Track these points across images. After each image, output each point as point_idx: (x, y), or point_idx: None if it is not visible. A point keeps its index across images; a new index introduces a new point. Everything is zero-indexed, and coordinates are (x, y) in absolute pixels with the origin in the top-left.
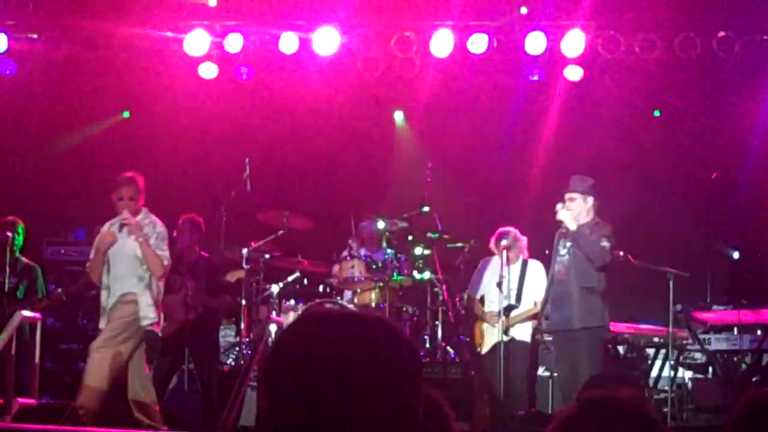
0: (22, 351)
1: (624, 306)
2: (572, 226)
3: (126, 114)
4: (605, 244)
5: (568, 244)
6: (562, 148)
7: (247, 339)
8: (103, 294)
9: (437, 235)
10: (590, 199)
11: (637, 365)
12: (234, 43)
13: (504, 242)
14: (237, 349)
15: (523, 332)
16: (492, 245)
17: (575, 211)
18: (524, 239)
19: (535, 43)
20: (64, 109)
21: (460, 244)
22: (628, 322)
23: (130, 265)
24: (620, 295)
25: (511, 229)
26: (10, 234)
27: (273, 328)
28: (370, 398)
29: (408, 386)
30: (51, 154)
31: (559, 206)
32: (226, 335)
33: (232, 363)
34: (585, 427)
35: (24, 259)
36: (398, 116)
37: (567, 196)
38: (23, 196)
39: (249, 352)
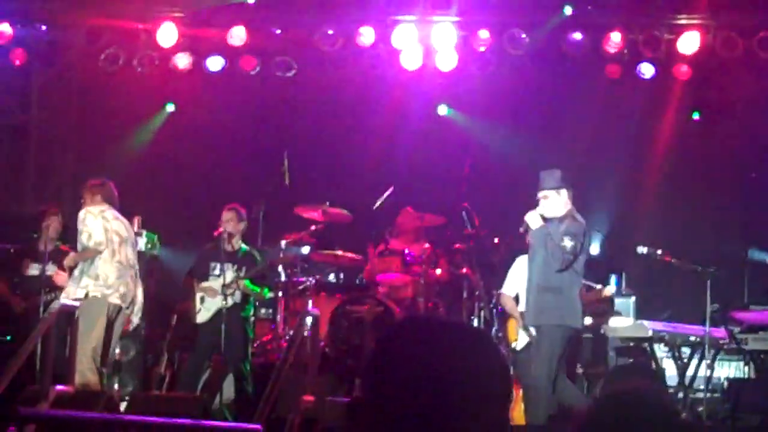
0: (60, 339)
1: (661, 305)
2: (534, 225)
3: (170, 106)
4: (566, 243)
5: (533, 246)
6: (598, 143)
7: (283, 331)
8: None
9: (474, 230)
10: (564, 192)
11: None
12: (273, 37)
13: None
14: (273, 340)
15: None
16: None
17: (551, 208)
18: None
19: (575, 40)
20: (105, 100)
21: (496, 240)
22: (664, 321)
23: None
24: (657, 294)
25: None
26: (49, 222)
27: (309, 320)
28: (465, 408)
29: (501, 403)
30: (90, 144)
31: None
32: (263, 327)
33: (268, 354)
34: (604, 423)
35: (63, 248)
36: (441, 110)
37: (541, 195)
38: (64, 184)
39: (284, 343)
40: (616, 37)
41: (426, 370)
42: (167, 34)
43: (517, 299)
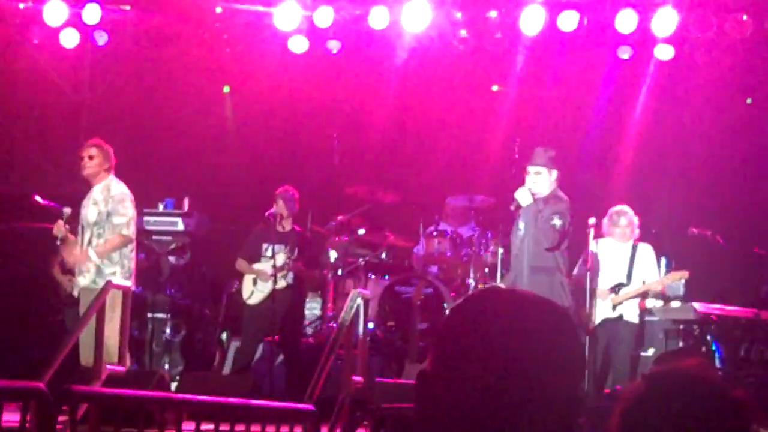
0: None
1: (712, 287)
2: (525, 202)
3: (226, 89)
4: (555, 222)
5: (522, 223)
6: (653, 127)
7: (333, 312)
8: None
9: None
10: (554, 172)
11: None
12: (324, 17)
13: (591, 220)
14: (322, 321)
15: (631, 312)
16: (605, 222)
17: (540, 185)
18: (636, 219)
19: (626, 21)
20: (156, 81)
21: None
22: (715, 303)
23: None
24: (708, 276)
25: (625, 209)
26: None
27: (359, 301)
28: (535, 384)
29: (573, 381)
30: (143, 124)
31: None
32: (312, 308)
33: (318, 335)
34: (652, 402)
35: None
36: (494, 87)
37: (533, 170)
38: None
39: (334, 324)
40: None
41: (497, 342)
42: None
43: (591, 280)
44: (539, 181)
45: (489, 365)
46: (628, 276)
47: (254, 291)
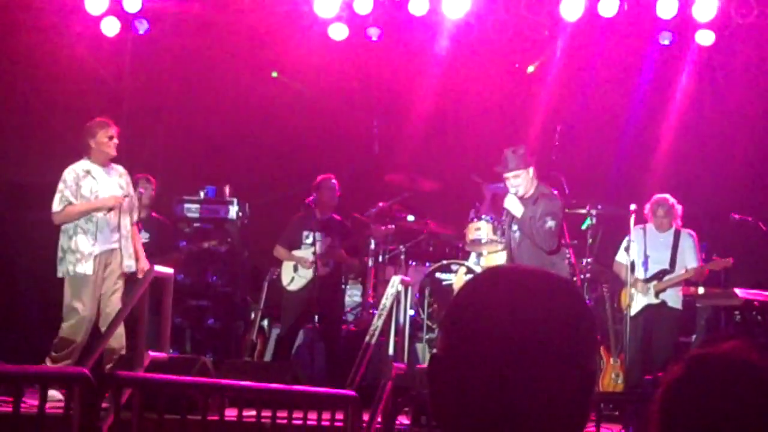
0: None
1: (754, 273)
2: (518, 213)
3: (274, 74)
4: (550, 224)
5: (516, 227)
6: (693, 114)
7: (373, 299)
8: (83, 238)
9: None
10: (531, 169)
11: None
12: (364, 4)
13: (632, 206)
14: (363, 308)
15: (674, 298)
16: (647, 211)
17: (523, 187)
18: (679, 208)
19: (667, 6)
20: (197, 69)
21: (586, 209)
22: (758, 289)
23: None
24: (750, 262)
25: (667, 197)
26: (143, 190)
27: (399, 288)
28: (546, 362)
29: (592, 352)
30: (183, 113)
31: (510, 185)
32: (353, 295)
33: (359, 322)
34: (692, 385)
35: (154, 215)
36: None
37: (511, 175)
38: (156, 152)
39: (375, 311)
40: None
41: (506, 320)
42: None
43: (632, 267)
44: (521, 184)
45: (498, 344)
46: (671, 263)
47: (294, 277)
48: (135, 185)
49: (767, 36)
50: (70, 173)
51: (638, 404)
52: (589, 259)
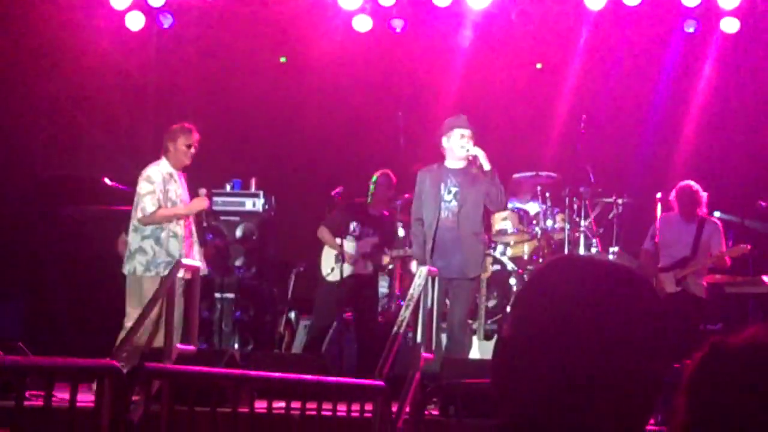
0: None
1: None
2: (488, 164)
3: (283, 59)
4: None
5: (454, 189)
6: (717, 102)
7: (400, 290)
8: (174, 242)
9: (591, 187)
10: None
11: None
12: None
13: (658, 195)
14: (390, 299)
15: (696, 286)
16: (672, 199)
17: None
18: (704, 195)
19: None
20: (221, 62)
21: (612, 198)
22: None
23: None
24: None
25: (692, 184)
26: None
27: (426, 278)
28: (611, 357)
29: (661, 346)
30: (207, 106)
31: (468, 144)
32: (381, 286)
33: (386, 313)
34: (717, 370)
35: None
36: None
37: (467, 135)
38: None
39: (401, 302)
40: None
41: (574, 309)
42: None
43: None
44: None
45: (567, 333)
46: (693, 251)
47: (335, 268)
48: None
49: None
50: (157, 174)
51: (666, 393)
52: (615, 248)
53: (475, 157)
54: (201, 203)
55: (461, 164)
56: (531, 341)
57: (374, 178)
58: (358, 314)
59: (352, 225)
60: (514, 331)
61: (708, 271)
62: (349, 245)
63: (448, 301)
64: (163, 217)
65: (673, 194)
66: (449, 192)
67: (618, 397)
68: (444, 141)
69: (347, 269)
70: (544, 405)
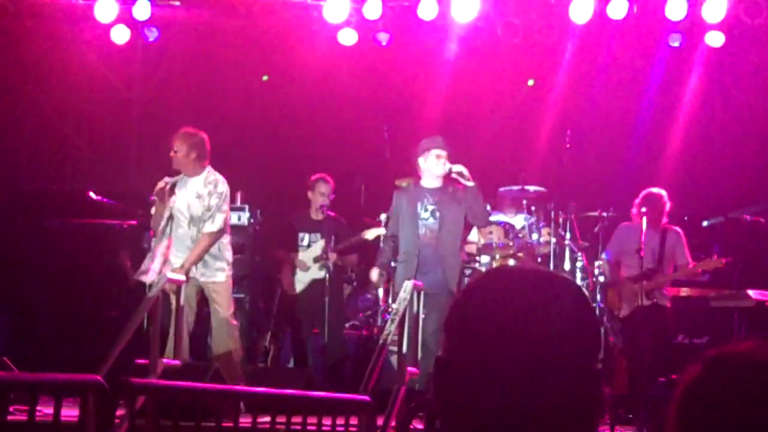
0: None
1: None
2: (469, 181)
3: (265, 78)
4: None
5: (430, 207)
6: (703, 116)
7: (386, 304)
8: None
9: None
10: None
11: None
12: (373, 9)
13: (644, 208)
14: (375, 314)
15: (663, 297)
16: (634, 209)
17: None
18: (668, 204)
19: (676, 8)
20: (206, 76)
21: (597, 212)
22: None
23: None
24: (763, 263)
25: (662, 192)
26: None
27: (411, 292)
28: (550, 364)
29: (596, 351)
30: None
31: (445, 164)
32: (365, 300)
33: (371, 327)
34: (711, 385)
35: None
36: (530, 82)
37: (444, 156)
38: (166, 160)
39: (387, 316)
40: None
41: (509, 322)
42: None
43: (618, 266)
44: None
45: (505, 345)
46: (659, 260)
47: (295, 281)
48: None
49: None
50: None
51: (651, 406)
52: (601, 261)
53: (449, 176)
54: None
55: (437, 183)
56: (466, 360)
57: (314, 182)
58: (324, 323)
59: (300, 236)
60: (449, 352)
61: (674, 283)
62: (305, 256)
63: (422, 314)
64: None
65: (638, 201)
66: (426, 210)
67: (566, 406)
68: (420, 162)
69: (305, 277)
70: (487, 425)
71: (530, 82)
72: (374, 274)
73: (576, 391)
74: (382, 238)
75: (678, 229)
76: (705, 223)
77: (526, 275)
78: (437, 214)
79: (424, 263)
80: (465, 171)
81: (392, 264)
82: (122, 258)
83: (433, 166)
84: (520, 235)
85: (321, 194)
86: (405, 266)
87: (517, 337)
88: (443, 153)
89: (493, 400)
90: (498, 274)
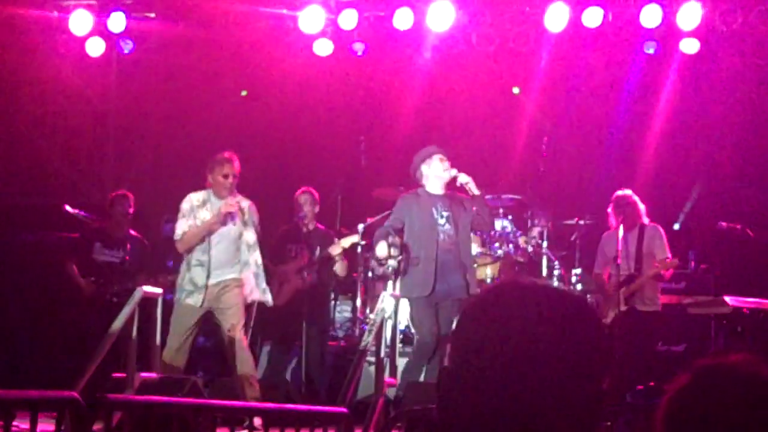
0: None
1: (743, 281)
2: (476, 189)
3: (244, 93)
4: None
5: (445, 213)
6: (678, 123)
7: (363, 315)
8: (198, 270)
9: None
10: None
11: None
12: (349, 19)
13: (608, 209)
14: (352, 324)
15: (642, 302)
16: (610, 212)
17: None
18: (640, 204)
19: (651, 15)
20: (182, 88)
21: (574, 220)
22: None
23: (236, 249)
24: (739, 270)
25: (627, 193)
26: (132, 210)
27: (390, 303)
28: (553, 381)
29: (603, 370)
30: (169, 131)
31: (450, 169)
32: (343, 311)
33: (349, 338)
34: (699, 396)
35: (132, 233)
36: (515, 90)
37: (447, 161)
38: (142, 173)
39: (365, 327)
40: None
41: (514, 336)
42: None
43: (606, 274)
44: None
45: (508, 357)
46: (638, 261)
47: (279, 293)
48: (111, 204)
49: (751, 44)
50: (187, 201)
51: (629, 415)
52: (578, 270)
53: (452, 184)
54: (213, 217)
55: (442, 190)
56: (473, 371)
57: (299, 196)
58: (307, 334)
59: (288, 247)
60: (455, 362)
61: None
62: (291, 267)
63: (440, 323)
64: (189, 237)
65: (610, 208)
66: (442, 216)
67: (566, 420)
68: (424, 168)
69: (289, 288)
70: (493, 430)
71: (515, 90)
72: (382, 246)
73: (578, 410)
74: (383, 227)
75: (656, 225)
76: (676, 226)
77: (533, 291)
78: (452, 220)
79: (445, 269)
80: (470, 181)
81: (392, 265)
82: (69, 269)
83: (439, 170)
84: (497, 244)
85: (306, 207)
86: (418, 271)
87: (522, 352)
88: (445, 157)
89: (494, 412)
90: (505, 288)
